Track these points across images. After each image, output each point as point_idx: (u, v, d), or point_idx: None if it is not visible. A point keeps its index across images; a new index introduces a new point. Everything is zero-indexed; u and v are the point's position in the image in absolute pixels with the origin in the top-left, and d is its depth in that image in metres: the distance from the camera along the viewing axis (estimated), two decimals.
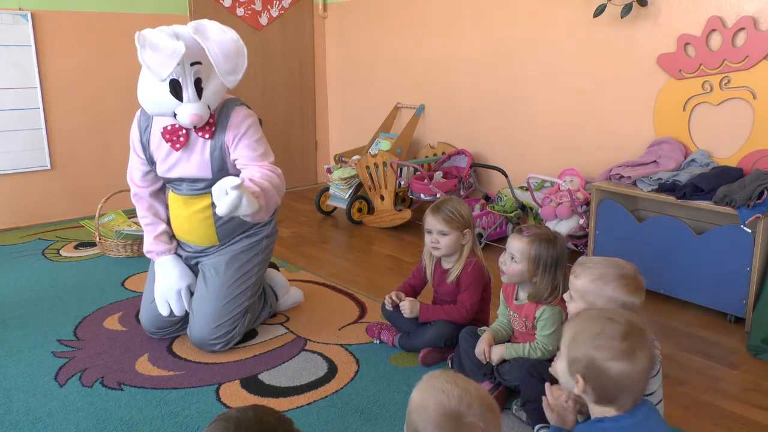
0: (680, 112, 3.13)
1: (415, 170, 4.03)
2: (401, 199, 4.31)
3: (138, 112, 2.32)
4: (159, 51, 1.97)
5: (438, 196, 3.69)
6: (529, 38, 3.78)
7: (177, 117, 2.11)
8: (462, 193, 3.95)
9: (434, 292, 2.46)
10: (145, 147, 2.30)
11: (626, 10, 3.16)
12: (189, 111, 2.09)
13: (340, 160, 4.54)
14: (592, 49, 3.47)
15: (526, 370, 1.92)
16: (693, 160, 3.03)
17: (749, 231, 2.54)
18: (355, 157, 4.43)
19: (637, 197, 3.08)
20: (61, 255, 3.54)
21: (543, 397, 1.59)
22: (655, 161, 3.08)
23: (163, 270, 2.38)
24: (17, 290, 3.02)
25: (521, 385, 1.94)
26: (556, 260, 1.98)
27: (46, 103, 4.05)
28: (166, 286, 2.36)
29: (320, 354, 2.41)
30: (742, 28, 2.85)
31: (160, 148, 2.28)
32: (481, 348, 2.07)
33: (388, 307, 2.42)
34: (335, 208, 4.47)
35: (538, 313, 2.01)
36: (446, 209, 2.28)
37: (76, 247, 3.67)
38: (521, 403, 1.96)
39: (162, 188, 2.46)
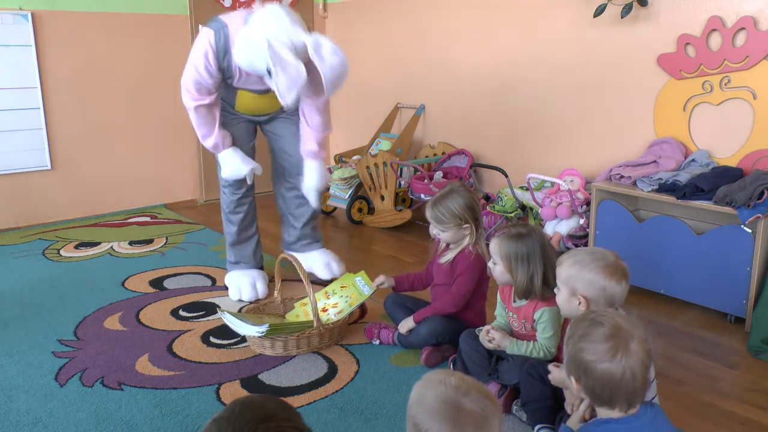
0: (680, 112, 3.13)
1: (416, 170, 4.03)
2: (401, 199, 4.31)
3: (212, 40, 2.56)
4: (287, 73, 2.36)
5: None
6: (530, 38, 3.78)
7: (265, 80, 2.57)
8: None
9: (431, 278, 2.49)
10: (223, 69, 2.65)
11: (626, 10, 3.16)
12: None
13: (341, 160, 4.54)
14: (592, 49, 3.47)
15: (526, 370, 1.92)
16: (693, 160, 3.04)
17: (749, 231, 2.54)
18: (355, 157, 4.43)
19: (638, 197, 3.08)
20: (61, 255, 3.54)
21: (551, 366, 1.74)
22: (655, 161, 3.08)
23: (234, 156, 2.83)
24: (17, 290, 3.02)
25: (521, 385, 1.94)
26: (527, 253, 2.00)
27: (46, 103, 4.05)
28: (237, 169, 2.83)
29: (320, 354, 2.41)
30: (742, 28, 2.85)
31: (238, 73, 2.67)
32: (487, 329, 2.10)
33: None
34: (335, 208, 4.47)
35: (537, 315, 2.01)
36: (437, 210, 2.32)
37: (76, 247, 3.67)
38: (521, 403, 1.96)
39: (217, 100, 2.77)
